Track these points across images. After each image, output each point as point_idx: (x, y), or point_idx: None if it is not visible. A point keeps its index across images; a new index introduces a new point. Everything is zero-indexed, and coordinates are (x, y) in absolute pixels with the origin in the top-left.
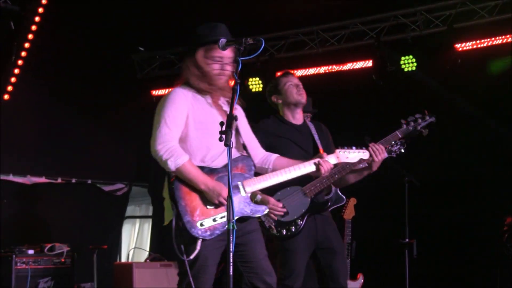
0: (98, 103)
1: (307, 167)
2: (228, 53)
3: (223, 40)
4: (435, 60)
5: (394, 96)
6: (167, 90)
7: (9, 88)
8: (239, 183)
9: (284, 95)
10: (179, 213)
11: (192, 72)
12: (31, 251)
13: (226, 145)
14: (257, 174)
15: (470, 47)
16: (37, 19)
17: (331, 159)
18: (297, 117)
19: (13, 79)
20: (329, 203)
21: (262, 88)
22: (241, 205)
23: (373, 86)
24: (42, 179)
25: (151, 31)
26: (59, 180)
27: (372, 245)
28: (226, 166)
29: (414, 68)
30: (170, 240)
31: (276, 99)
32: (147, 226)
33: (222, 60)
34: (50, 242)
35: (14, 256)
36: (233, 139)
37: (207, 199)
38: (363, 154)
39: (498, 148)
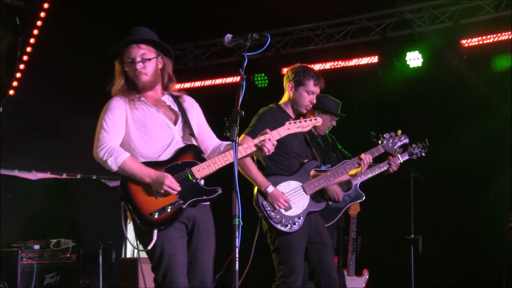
0: (103, 98)
1: (247, 149)
2: (136, 51)
3: (228, 36)
4: (441, 56)
5: (400, 92)
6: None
7: (14, 83)
8: (188, 169)
9: (297, 97)
10: (131, 209)
11: (118, 79)
12: (36, 247)
13: (231, 140)
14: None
15: (476, 43)
16: (42, 14)
17: (281, 131)
18: (293, 112)
19: (18, 75)
20: (325, 204)
21: (268, 84)
22: (193, 190)
23: (379, 82)
24: (47, 175)
25: (156, 26)
26: (64, 176)
27: (377, 241)
28: (173, 157)
29: (420, 64)
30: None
31: (290, 89)
32: None
33: (134, 60)
34: (55, 238)
35: (20, 251)
36: (180, 130)
37: (154, 190)
38: (315, 121)
39: (504, 144)
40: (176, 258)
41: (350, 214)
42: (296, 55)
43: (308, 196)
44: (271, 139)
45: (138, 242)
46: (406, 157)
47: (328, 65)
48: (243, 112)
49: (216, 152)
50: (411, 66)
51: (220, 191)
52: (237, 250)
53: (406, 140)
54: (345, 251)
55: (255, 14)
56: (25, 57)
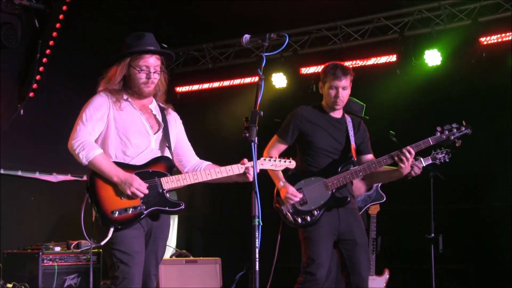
0: None
1: (228, 171)
2: (154, 62)
3: (246, 36)
4: (459, 54)
5: (419, 90)
6: (191, 86)
7: (34, 85)
8: (157, 178)
9: (324, 94)
10: (93, 203)
11: (116, 78)
12: (57, 248)
13: (250, 141)
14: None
15: (495, 41)
16: (61, 17)
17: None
18: (336, 112)
19: (37, 77)
20: (349, 199)
21: (286, 84)
22: (157, 199)
23: (398, 81)
24: (68, 177)
25: (174, 27)
26: (85, 178)
27: (397, 240)
28: (146, 164)
29: (438, 63)
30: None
31: (320, 88)
32: (172, 222)
33: (149, 69)
34: (76, 239)
35: (41, 253)
36: (158, 140)
37: (120, 190)
38: (289, 163)
39: None
40: (132, 258)
41: (370, 214)
42: (314, 54)
43: (330, 192)
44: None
45: (92, 235)
46: (429, 162)
47: (346, 65)
48: (262, 112)
49: (197, 169)
50: (430, 64)
51: (183, 207)
52: (257, 250)
53: (468, 131)
54: None
55: (273, 14)
56: (44, 60)
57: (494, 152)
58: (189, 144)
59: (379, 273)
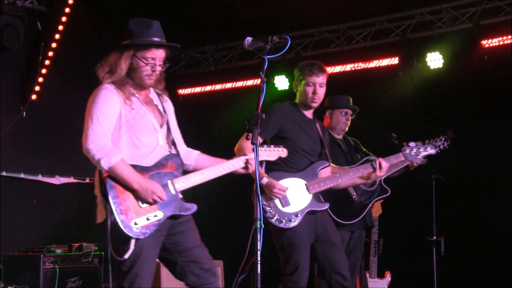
0: None
1: (235, 165)
2: (161, 54)
3: (249, 39)
4: (461, 57)
5: (421, 93)
6: (193, 89)
7: (37, 88)
8: (169, 181)
9: (300, 92)
10: (112, 212)
11: (121, 69)
12: (59, 251)
13: (252, 143)
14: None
15: (497, 44)
16: (63, 18)
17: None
18: (310, 112)
19: (40, 79)
20: (328, 205)
21: (289, 86)
22: (172, 203)
23: (400, 84)
24: (71, 179)
25: (177, 29)
26: (88, 180)
27: (399, 243)
28: (157, 164)
29: (440, 65)
30: (105, 239)
31: (295, 87)
32: None
33: (155, 61)
34: (78, 242)
35: (42, 255)
36: (164, 134)
37: (140, 198)
38: (282, 152)
39: None
40: (147, 266)
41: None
42: (317, 57)
43: (311, 195)
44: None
45: (111, 247)
46: (433, 151)
47: (348, 67)
48: (264, 115)
49: (186, 160)
50: (432, 67)
51: (195, 209)
52: (259, 253)
53: (432, 151)
54: (367, 253)
55: (275, 16)
56: (47, 62)
57: (497, 155)
58: (179, 131)
59: (381, 275)
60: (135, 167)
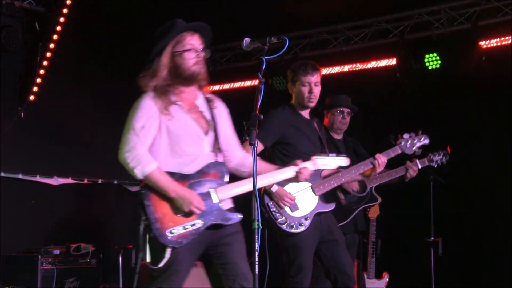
0: (123, 103)
1: (284, 174)
2: (196, 41)
3: (247, 40)
4: (459, 58)
5: (419, 94)
6: None
7: (35, 88)
8: (211, 189)
9: (296, 92)
10: (149, 222)
11: (164, 70)
12: (57, 252)
13: (250, 144)
14: (232, 176)
15: (495, 45)
16: (61, 19)
17: (309, 165)
18: (306, 112)
19: (38, 80)
20: (334, 205)
21: (287, 87)
22: (213, 213)
23: (397, 84)
24: (69, 180)
25: None
26: (86, 181)
27: (397, 244)
28: (199, 172)
29: (438, 66)
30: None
31: (290, 89)
32: None
33: (194, 46)
34: (76, 242)
35: (40, 256)
36: (210, 142)
37: (177, 206)
38: (343, 161)
39: None
40: (178, 274)
41: (370, 217)
42: (315, 58)
43: (317, 197)
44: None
45: (148, 254)
46: (426, 164)
47: (346, 68)
48: (262, 116)
49: (242, 167)
50: (430, 68)
51: (239, 219)
52: (256, 253)
53: (426, 141)
54: (365, 254)
55: (273, 17)
56: (45, 63)
57: (495, 156)
58: (235, 136)
59: (378, 276)
60: (174, 174)
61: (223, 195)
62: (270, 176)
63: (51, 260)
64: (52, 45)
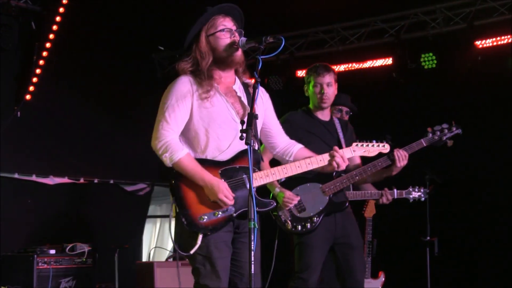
0: (119, 102)
1: (320, 161)
2: (229, 23)
3: (243, 39)
4: (455, 58)
5: (415, 93)
6: None
7: (31, 88)
8: (245, 175)
9: (310, 94)
10: (179, 207)
11: (202, 54)
12: (52, 251)
13: (246, 143)
14: (276, 162)
15: (490, 44)
16: (58, 18)
17: (347, 153)
18: (325, 113)
19: (34, 79)
20: (347, 204)
21: (283, 86)
22: (246, 199)
23: (393, 84)
24: (65, 179)
25: (171, 29)
26: (82, 181)
27: (393, 243)
28: (233, 158)
29: (434, 66)
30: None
31: (306, 91)
32: (168, 226)
33: (227, 27)
34: (72, 242)
35: (35, 256)
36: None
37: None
38: (383, 147)
39: None
40: (221, 262)
41: (366, 217)
42: (311, 57)
43: (327, 197)
44: (343, 156)
45: (178, 243)
46: (402, 196)
47: (342, 67)
48: (258, 115)
49: (286, 155)
50: (426, 67)
51: (274, 204)
52: (252, 253)
53: (459, 131)
54: None
55: (269, 16)
56: (41, 62)
57: (491, 155)
58: (278, 122)
59: (374, 276)
60: (205, 161)
61: (256, 181)
62: (303, 164)
63: (46, 260)
64: (48, 45)
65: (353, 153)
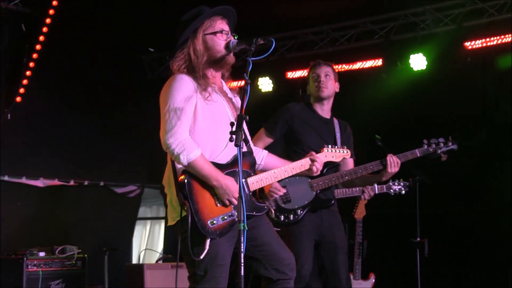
0: (109, 104)
1: (304, 164)
2: (225, 27)
3: (234, 41)
4: (444, 59)
5: (404, 95)
6: None
7: (21, 90)
8: (243, 180)
9: (309, 88)
10: (191, 211)
11: (197, 52)
12: (42, 254)
13: (236, 145)
14: None
15: (480, 45)
16: (48, 20)
17: (321, 157)
18: (325, 110)
19: (24, 81)
20: (332, 202)
21: (272, 88)
22: (246, 203)
23: (383, 85)
24: (55, 182)
25: (161, 31)
26: (72, 183)
27: (383, 245)
28: (232, 162)
29: (423, 67)
30: (176, 241)
31: (307, 89)
32: (158, 228)
33: (223, 29)
34: (61, 244)
35: (25, 258)
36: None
37: (216, 196)
38: (346, 153)
39: (509, 146)
40: (222, 269)
41: (356, 218)
42: (301, 59)
43: (314, 193)
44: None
45: (183, 246)
46: (383, 191)
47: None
48: (248, 117)
49: (258, 159)
50: (415, 69)
51: (267, 208)
52: (242, 255)
53: (454, 146)
54: (351, 255)
55: (259, 18)
56: (31, 64)
57: (480, 157)
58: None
59: (365, 277)
60: (212, 163)
61: (253, 185)
62: (289, 167)
63: (36, 263)
64: (38, 47)
65: (325, 158)
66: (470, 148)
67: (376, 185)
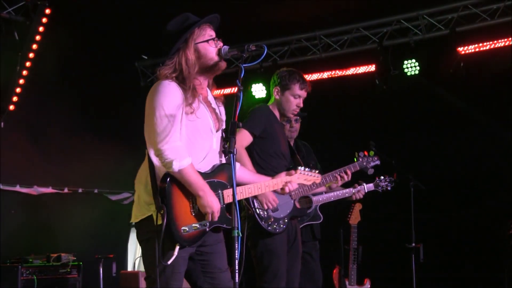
0: (103, 111)
1: (277, 184)
2: (212, 31)
3: (225, 47)
4: (437, 64)
5: (397, 100)
6: None
7: (14, 98)
8: (220, 192)
9: (283, 102)
10: (167, 216)
11: (189, 61)
12: (37, 261)
13: (229, 152)
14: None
15: (473, 50)
16: (41, 29)
17: (294, 179)
18: (281, 118)
19: (18, 89)
20: (308, 211)
21: (266, 94)
22: (219, 215)
23: (377, 91)
24: (49, 189)
25: (154, 38)
26: (66, 190)
27: (378, 250)
28: (213, 172)
29: (417, 72)
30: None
31: (276, 94)
32: None
33: (212, 36)
34: (56, 252)
35: (20, 266)
36: (218, 139)
37: (193, 205)
38: (315, 177)
39: (503, 151)
40: (179, 276)
41: (351, 224)
42: (294, 65)
43: (293, 201)
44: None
45: (149, 247)
46: (372, 189)
47: (325, 75)
48: (241, 123)
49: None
50: (409, 74)
51: (239, 223)
52: (237, 262)
53: (378, 162)
54: (347, 261)
55: (252, 24)
56: (24, 72)
57: (474, 161)
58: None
59: (360, 283)
60: None
61: (228, 198)
62: (263, 185)
63: (31, 270)
64: (31, 55)
65: (297, 180)
66: (464, 153)
67: (365, 184)
